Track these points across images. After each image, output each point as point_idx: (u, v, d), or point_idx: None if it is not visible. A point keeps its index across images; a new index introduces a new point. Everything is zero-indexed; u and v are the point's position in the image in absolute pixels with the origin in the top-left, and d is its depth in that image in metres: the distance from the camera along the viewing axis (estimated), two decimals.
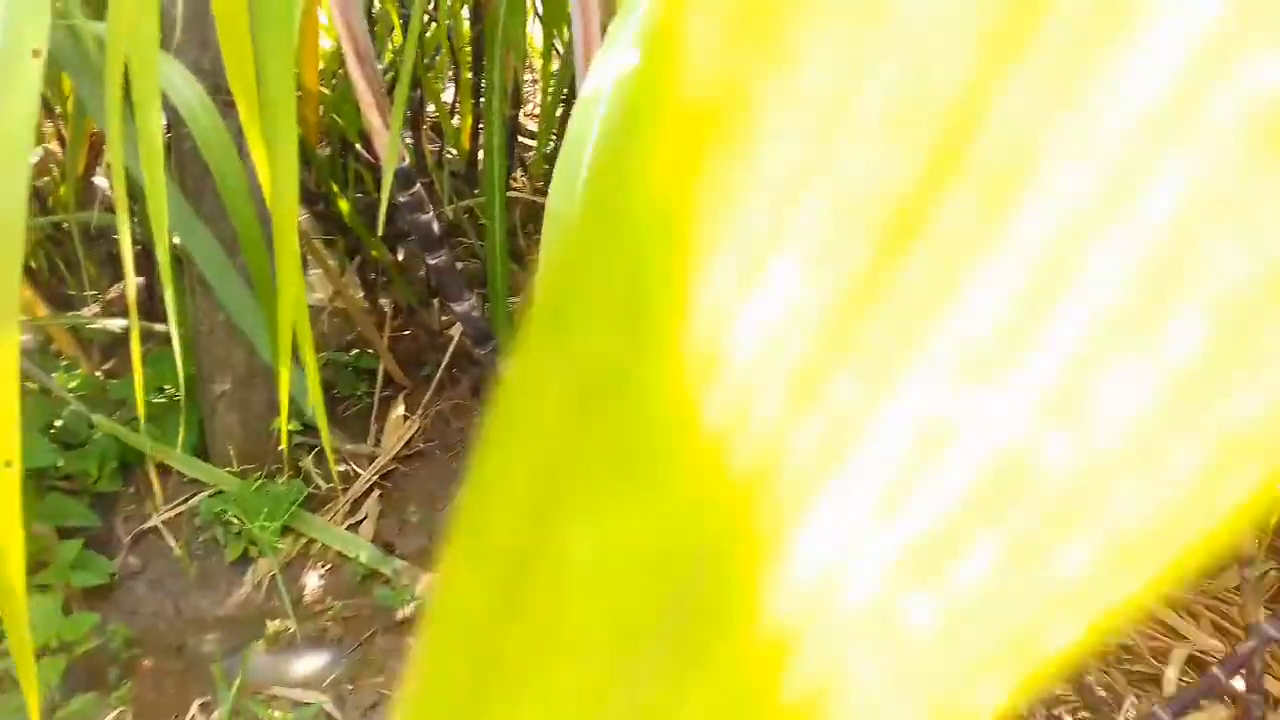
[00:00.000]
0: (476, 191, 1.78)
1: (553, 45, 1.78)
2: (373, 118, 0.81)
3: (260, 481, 1.33)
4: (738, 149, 0.09)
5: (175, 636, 1.23)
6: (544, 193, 1.85)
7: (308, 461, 1.40)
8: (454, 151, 1.91)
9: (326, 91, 1.47)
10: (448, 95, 2.07)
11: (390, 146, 0.79)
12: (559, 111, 1.75)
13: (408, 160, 0.83)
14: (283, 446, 1.34)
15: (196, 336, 1.31)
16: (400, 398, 1.54)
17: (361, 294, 1.63)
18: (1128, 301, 0.08)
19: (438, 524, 1.37)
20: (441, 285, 0.91)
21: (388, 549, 1.33)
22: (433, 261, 0.87)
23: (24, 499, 0.50)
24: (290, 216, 0.76)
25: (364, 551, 1.30)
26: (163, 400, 1.39)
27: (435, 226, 0.87)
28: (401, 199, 0.82)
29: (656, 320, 0.09)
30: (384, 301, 1.63)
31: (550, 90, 1.79)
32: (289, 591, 1.25)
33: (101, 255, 1.73)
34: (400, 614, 1.23)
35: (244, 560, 1.30)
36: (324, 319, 1.61)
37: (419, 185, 0.83)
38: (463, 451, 1.47)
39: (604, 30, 0.72)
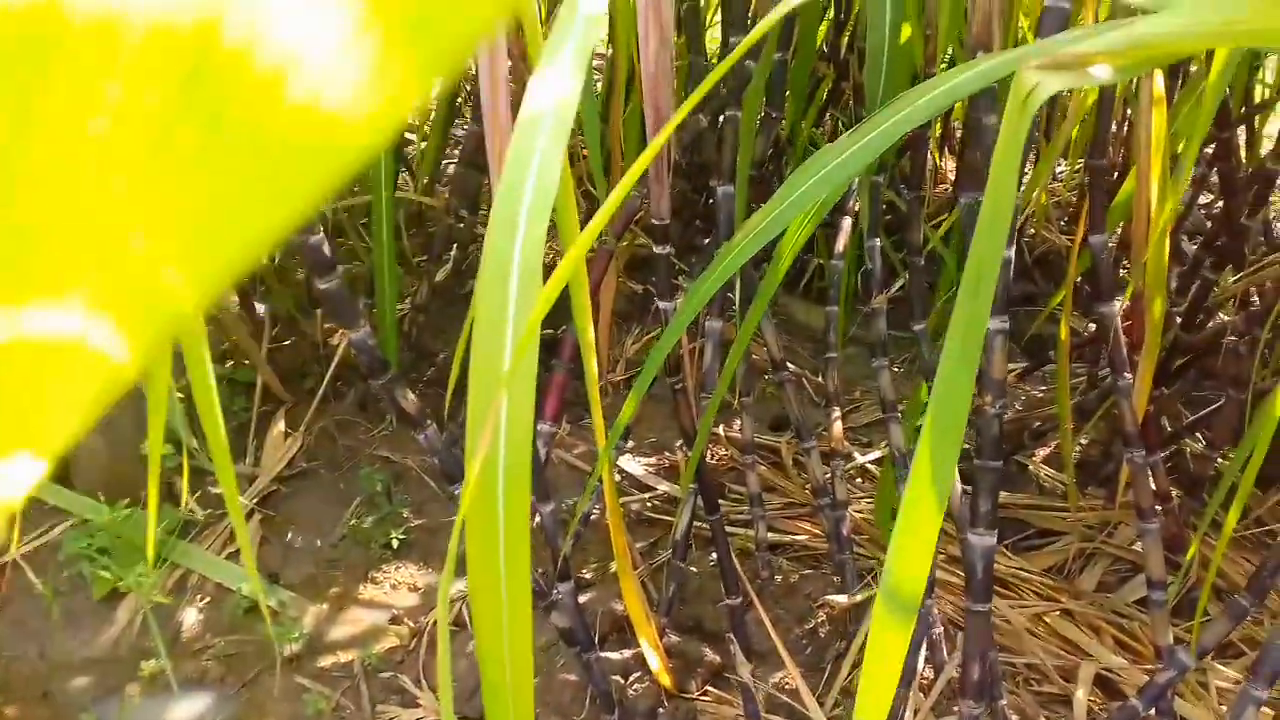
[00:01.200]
0: (357, 190, 1.69)
1: None
2: None
3: (129, 510, 1.23)
4: None
5: (40, 681, 1.13)
6: (431, 193, 1.76)
7: (182, 485, 1.31)
8: None
9: None
10: None
11: None
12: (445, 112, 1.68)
13: None
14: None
15: None
16: (281, 413, 1.46)
17: (236, 301, 1.54)
18: None
19: (326, 550, 1.30)
20: (334, 311, 0.84)
21: (272, 579, 1.26)
22: (324, 287, 0.81)
23: None
24: None
25: (246, 583, 1.22)
26: None
27: (326, 248, 0.80)
28: None
29: None
30: (261, 309, 1.54)
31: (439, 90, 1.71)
32: (165, 629, 1.17)
33: None
34: (287, 650, 1.16)
35: (114, 596, 1.20)
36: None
37: None
38: (350, 470, 1.39)
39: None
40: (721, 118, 1.03)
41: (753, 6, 1.07)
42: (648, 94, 0.77)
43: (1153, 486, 1.01)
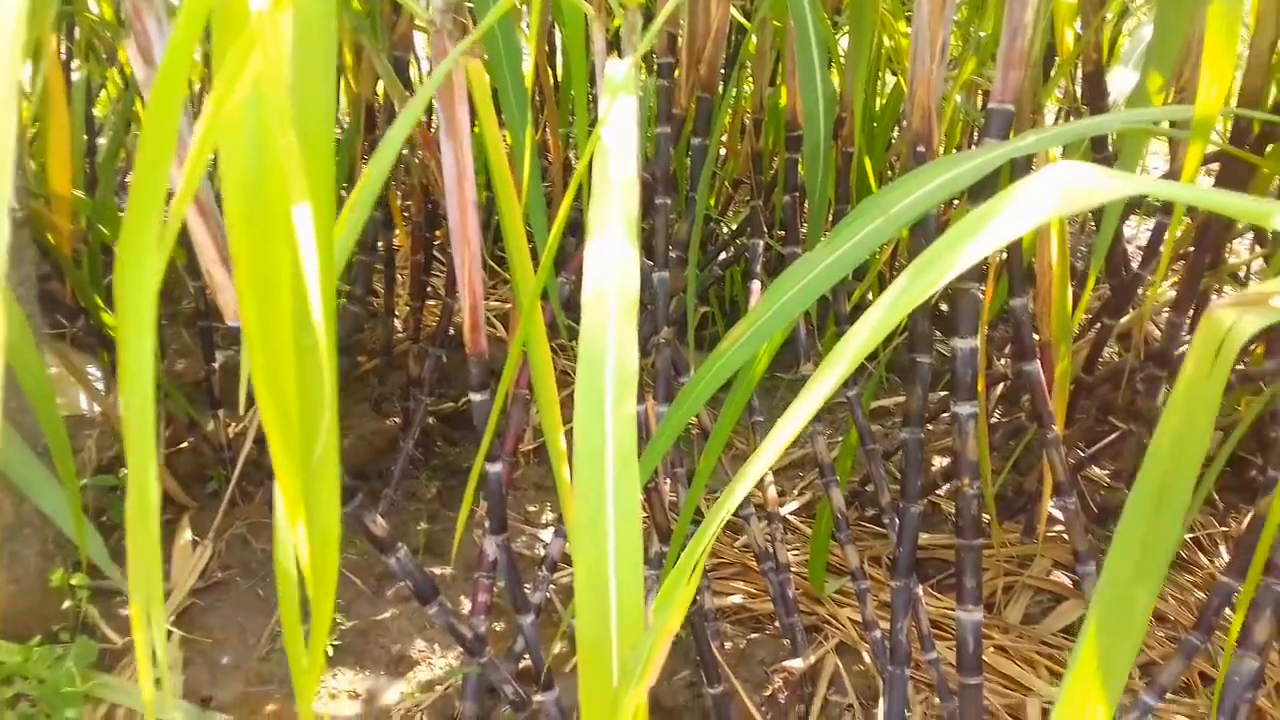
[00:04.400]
0: None
1: None
2: (217, 272, 0.72)
3: (42, 645, 1.15)
4: None
5: None
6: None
7: (91, 612, 1.23)
8: None
9: (82, 196, 1.30)
10: None
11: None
12: None
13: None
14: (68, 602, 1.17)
15: None
16: (185, 520, 1.38)
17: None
18: None
19: (255, 665, 1.24)
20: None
21: (204, 703, 1.19)
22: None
23: None
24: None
25: (178, 712, 1.15)
26: None
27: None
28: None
29: None
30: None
31: None
32: None
33: None
34: None
35: None
36: (90, 439, 1.42)
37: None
38: (269, 576, 1.33)
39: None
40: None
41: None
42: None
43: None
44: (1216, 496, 1.51)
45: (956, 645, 0.79)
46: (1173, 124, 0.98)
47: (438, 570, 1.37)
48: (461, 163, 0.75)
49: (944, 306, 1.89)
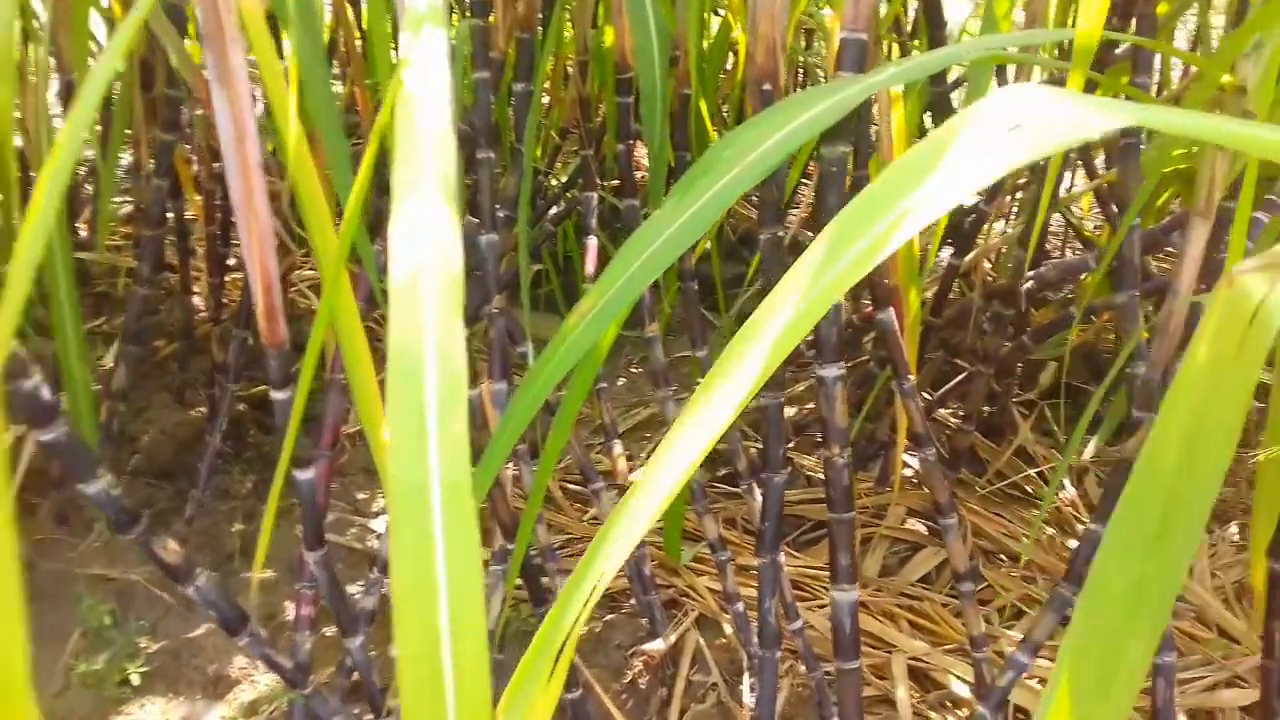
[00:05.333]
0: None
1: None
2: None
3: None
4: None
5: None
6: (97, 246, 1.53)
7: None
8: None
9: None
10: None
11: None
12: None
13: None
14: None
15: None
16: None
17: None
18: None
19: (49, 703, 1.09)
20: (65, 466, 0.68)
21: None
22: (47, 439, 0.64)
23: None
24: None
25: None
26: None
27: (45, 392, 0.65)
28: None
29: None
30: None
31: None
32: None
33: None
34: None
35: None
36: None
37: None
38: (61, 600, 1.18)
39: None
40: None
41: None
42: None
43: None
44: (1057, 429, 1.52)
45: (832, 627, 0.73)
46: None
47: (258, 575, 1.24)
48: (240, 119, 0.63)
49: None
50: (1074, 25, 1.13)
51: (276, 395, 0.66)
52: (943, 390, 1.35)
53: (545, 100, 1.88)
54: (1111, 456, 1.48)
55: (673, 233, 0.62)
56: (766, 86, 0.76)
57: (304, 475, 0.71)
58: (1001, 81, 1.23)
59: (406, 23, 0.51)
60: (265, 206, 0.63)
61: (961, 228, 1.24)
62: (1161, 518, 0.24)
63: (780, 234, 0.79)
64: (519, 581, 0.99)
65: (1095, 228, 2.02)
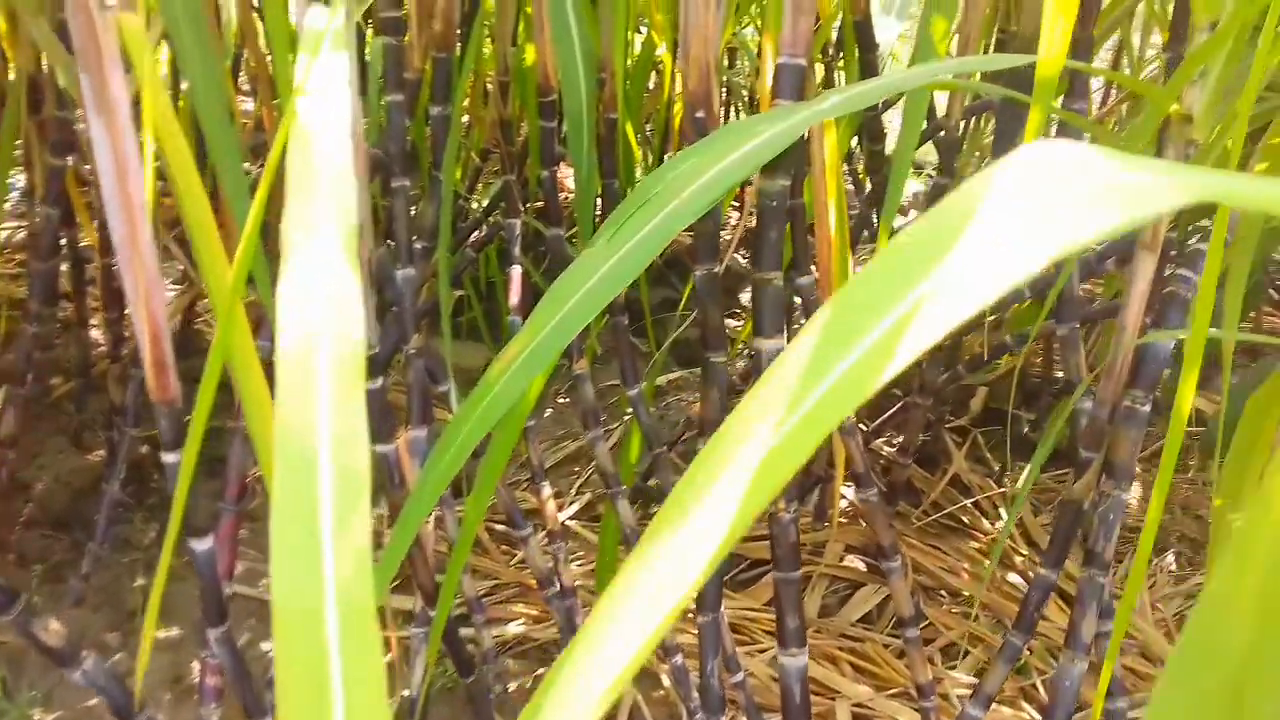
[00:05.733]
0: None
1: None
2: None
3: None
4: None
5: None
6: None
7: None
8: None
9: None
10: None
11: None
12: None
13: None
14: None
15: None
16: None
17: None
18: None
19: None
20: None
21: None
22: None
23: None
24: None
25: None
26: None
27: None
28: None
29: None
30: None
31: None
32: None
33: None
34: None
35: None
36: None
37: None
38: None
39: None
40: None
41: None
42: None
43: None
44: (990, 456, 1.50)
45: (781, 694, 0.68)
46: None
47: (163, 634, 1.15)
48: (121, 153, 0.57)
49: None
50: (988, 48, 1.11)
51: (167, 458, 0.59)
52: (879, 420, 1.31)
53: (465, 119, 1.82)
54: (1048, 485, 1.46)
55: (606, 272, 0.57)
56: (700, 113, 0.71)
57: (201, 546, 0.64)
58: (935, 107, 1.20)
59: (304, 43, 0.45)
60: (151, 250, 0.57)
61: None
62: None
63: (716, 270, 0.74)
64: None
65: None
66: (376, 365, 0.71)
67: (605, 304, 0.56)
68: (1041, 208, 0.18)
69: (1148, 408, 0.74)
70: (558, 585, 1.04)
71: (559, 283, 0.58)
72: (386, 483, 0.74)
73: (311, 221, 0.34)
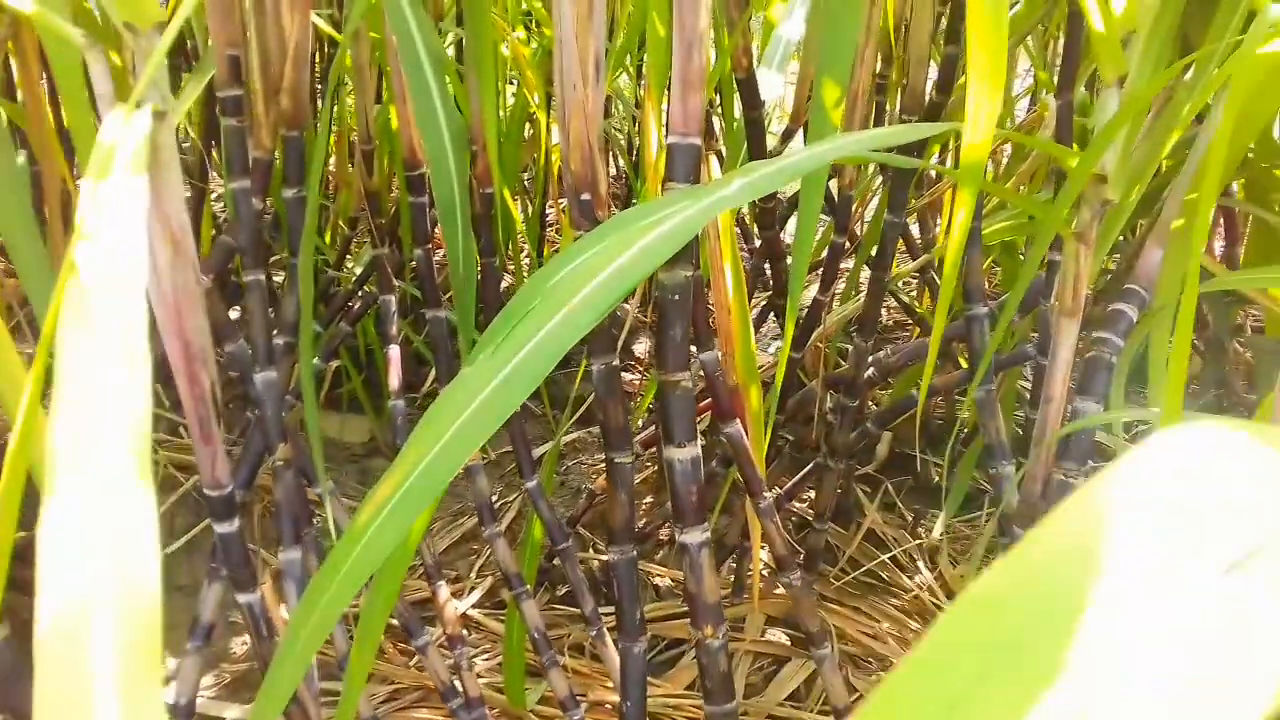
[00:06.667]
0: None
1: None
2: None
3: None
4: None
5: None
6: None
7: None
8: None
9: None
10: None
11: None
12: None
13: None
14: None
15: None
16: None
17: None
18: None
19: None
20: None
21: None
22: None
23: None
24: None
25: None
26: None
27: None
28: None
29: None
30: None
31: None
32: None
33: None
34: None
35: None
36: None
37: None
38: None
39: None
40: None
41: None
42: (169, 323, 0.51)
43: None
44: (900, 503, 1.46)
45: None
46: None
47: None
48: None
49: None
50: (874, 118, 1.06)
51: None
52: (792, 482, 1.26)
53: (331, 185, 1.71)
54: (962, 532, 1.43)
55: (488, 396, 0.49)
56: (585, 196, 0.64)
57: None
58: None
59: (92, 164, 0.36)
60: None
61: (801, 322, 1.16)
62: None
63: (614, 364, 0.67)
64: None
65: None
66: (231, 506, 0.61)
67: (492, 431, 0.48)
68: (1198, 567, 0.11)
69: (1083, 479, 0.69)
70: (462, 696, 0.95)
71: (435, 408, 0.50)
72: (253, 635, 0.65)
73: (86, 434, 0.26)
